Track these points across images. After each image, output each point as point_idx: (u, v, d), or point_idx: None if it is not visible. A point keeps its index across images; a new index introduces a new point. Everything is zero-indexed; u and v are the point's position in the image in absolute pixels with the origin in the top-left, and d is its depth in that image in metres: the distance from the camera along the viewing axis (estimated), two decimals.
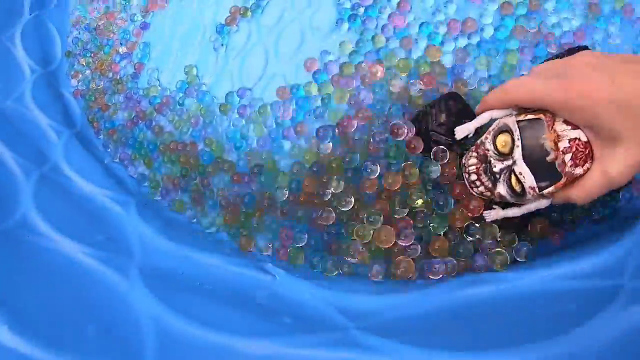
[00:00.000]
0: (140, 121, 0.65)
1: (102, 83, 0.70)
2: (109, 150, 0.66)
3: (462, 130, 0.41)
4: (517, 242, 0.42)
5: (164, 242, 0.52)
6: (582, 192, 0.33)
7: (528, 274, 0.38)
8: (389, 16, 0.57)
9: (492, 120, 0.38)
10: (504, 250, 0.41)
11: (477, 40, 0.54)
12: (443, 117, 0.43)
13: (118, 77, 0.70)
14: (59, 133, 0.63)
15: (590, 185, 0.32)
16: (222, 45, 0.64)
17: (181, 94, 0.64)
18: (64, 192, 0.55)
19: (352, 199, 0.47)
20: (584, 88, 0.29)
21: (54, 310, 0.38)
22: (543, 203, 0.36)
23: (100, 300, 0.41)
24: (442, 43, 0.55)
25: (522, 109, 0.35)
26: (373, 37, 0.57)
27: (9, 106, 0.63)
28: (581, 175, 0.33)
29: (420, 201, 0.44)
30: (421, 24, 0.56)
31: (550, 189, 0.34)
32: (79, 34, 0.76)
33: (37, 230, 0.47)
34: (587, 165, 0.33)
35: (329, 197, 0.48)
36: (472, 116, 0.41)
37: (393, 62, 0.53)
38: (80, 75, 0.72)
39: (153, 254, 0.50)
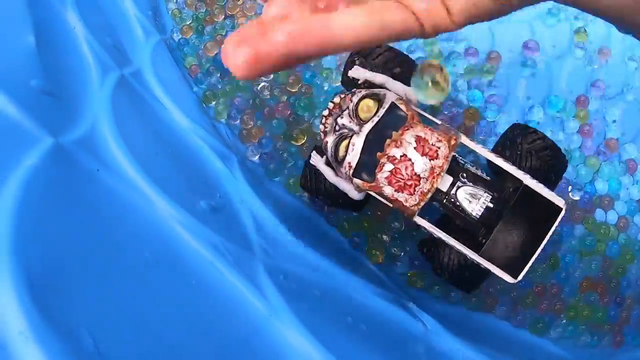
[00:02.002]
0: None
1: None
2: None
3: (356, 72, 0.36)
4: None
5: (286, 234, 0.33)
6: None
7: None
8: None
9: (382, 87, 0.34)
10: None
11: None
12: None
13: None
14: (147, 32, 0.44)
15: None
16: None
17: None
18: (148, 111, 0.35)
19: None
20: None
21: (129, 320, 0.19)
22: (351, 192, 0.34)
23: (220, 326, 0.21)
24: None
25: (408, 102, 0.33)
26: None
27: None
28: (392, 199, 0.30)
29: None
30: None
31: (359, 181, 0.31)
32: None
33: (108, 159, 0.27)
34: (401, 195, 0.30)
35: None
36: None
37: None
38: None
39: (277, 252, 0.30)
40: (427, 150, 0.30)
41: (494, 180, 0.33)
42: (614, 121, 0.43)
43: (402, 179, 0.30)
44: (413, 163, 0.30)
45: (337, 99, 0.34)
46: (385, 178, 0.30)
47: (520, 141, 0.34)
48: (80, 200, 0.23)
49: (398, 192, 0.30)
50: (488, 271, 0.33)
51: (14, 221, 0.18)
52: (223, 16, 0.49)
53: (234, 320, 0.22)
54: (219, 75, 0.45)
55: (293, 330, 0.23)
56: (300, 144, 0.42)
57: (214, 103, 0.44)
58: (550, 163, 0.34)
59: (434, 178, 0.30)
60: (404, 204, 0.30)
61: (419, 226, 0.32)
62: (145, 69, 0.39)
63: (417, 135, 0.30)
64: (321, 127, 0.34)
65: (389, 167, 0.30)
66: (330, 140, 0.33)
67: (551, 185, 0.33)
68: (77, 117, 0.28)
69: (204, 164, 0.35)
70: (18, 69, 0.27)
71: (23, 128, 0.24)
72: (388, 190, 0.30)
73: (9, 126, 0.23)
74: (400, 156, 0.30)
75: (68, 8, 0.36)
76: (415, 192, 0.30)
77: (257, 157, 0.42)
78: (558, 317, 0.40)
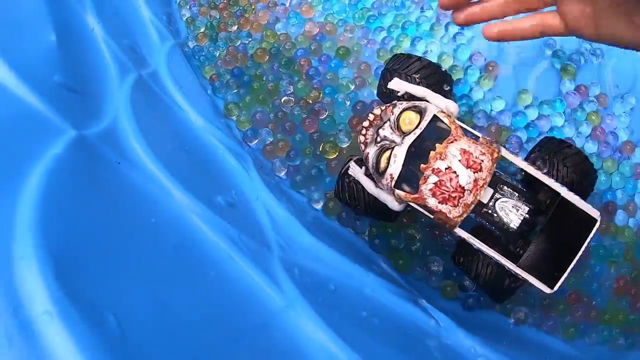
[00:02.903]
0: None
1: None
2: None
3: (397, 85, 0.36)
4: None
5: (301, 232, 0.33)
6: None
7: None
8: None
9: (422, 99, 0.35)
10: None
11: None
12: None
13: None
14: (163, 37, 0.45)
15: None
16: None
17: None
18: (165, 110, 0.36)
19: None
20: None
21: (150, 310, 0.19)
22: (392, 203, 0.34)
23: (238, 316, 0.21)
24: None
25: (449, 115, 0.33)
26: None
27: None
28: (436, 211, 0.31)
29: None
30: None
31: (401, 192, 0.31)
32: None
33: (129, 153, 0.27)
34: (445, 206, 0.30)
35: None
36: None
37: None
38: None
39: (292, 248, 0.30)
40: (471, 163, 0.30)
41: (527, 192, 0.33)
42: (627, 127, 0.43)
43: (447, 191, 0.30)
44: (458, 175, 0.30)
45: (377, 111, 0.34)
46: (430, 190, 0.30)
47: (555, 155, 0.34)
48: (102, 189, 0.23)
49: (442, 203, 0.30)
50: (522, 281, 0.33)
51: (39, 205, 0.19)
52: (236, 26, 0.50)
53: (250, 309, 0.22)
54: (236, 90, 0.45)
55: (308, 321, 0.23)
56: (332, 157, 0.41)
57: (235, 116, 0.44)
58: (585, 176, 0.35)
59: (477, 190, 0.30)
60: (448, 215, 0.30)
61: (453, 237, 0.32)
62: (161, 70, 0.40)
63: (461, 148, 0.30)
64: (361, 137, 0.34)
65: (433, 179, 0.30)
66: (371, 151, 0.32)
67: (584, 197, 0.33)
68: (98, 112, 0.29)
69: (220, 162, 0.35)
70: (41, 65, 0.28)
71: (48, 120, 0.24)
72: (432, 202, 0.30)
73: (35, 118, 0.24)
74: (445, 168, 0.30)
75: (87, 11, 0.37)
76: (459, 204, 0.30)
77: (284, 172, 0.42)
78: (593, 324, 0.40)
